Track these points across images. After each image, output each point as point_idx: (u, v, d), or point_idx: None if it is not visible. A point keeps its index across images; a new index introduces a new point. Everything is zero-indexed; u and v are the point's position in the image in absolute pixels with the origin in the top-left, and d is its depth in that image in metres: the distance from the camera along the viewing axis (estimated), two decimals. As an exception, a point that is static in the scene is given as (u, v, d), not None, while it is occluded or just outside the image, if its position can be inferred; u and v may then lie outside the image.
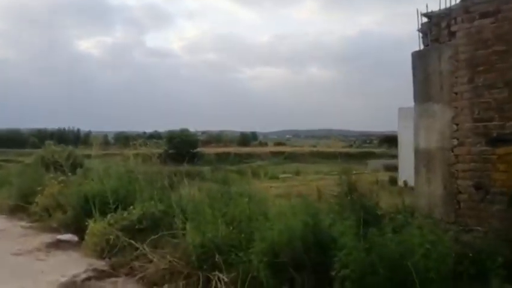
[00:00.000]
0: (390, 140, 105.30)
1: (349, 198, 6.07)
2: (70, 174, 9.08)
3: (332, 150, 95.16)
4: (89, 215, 6.65)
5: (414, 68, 4.75)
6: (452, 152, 4.28)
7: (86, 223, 6.02)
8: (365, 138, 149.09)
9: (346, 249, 3.28)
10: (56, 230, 7.52)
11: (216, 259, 4.05)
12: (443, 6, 4.47)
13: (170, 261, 4.37)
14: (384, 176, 32.36)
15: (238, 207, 5.25)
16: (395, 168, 42.11)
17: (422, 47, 4.76)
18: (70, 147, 9.59)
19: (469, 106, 4.18)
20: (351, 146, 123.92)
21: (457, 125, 4.27)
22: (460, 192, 4.20)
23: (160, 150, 7.55)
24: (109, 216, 5.96)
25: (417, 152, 4.62)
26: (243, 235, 4.54)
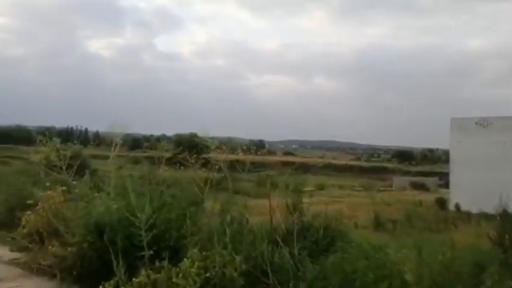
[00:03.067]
0: (402, 155, 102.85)
1: None
2: (73, 181, 6.36)
3: (342, 162, 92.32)
4: (103, 257, 3.99)
5: None
6: None
7: (101, 285, 3.28)
8: (372, 151, 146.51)
9: None
10: (50, 274, 4.83)
11: None
12: None
13: None
14: (417, 195, 29.49)
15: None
16: (422, 187, 39.38)
17: None
18: (77, 146, 6.91)
19: None
20: (359, 159, 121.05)
21: None
22: None
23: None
24: (142, 273, 3.23)
25: None
26: None
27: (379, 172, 77.02)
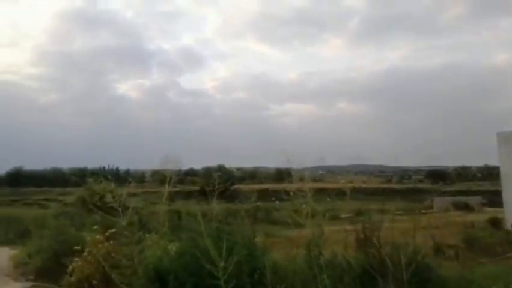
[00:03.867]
0: (435, 175, 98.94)
1: None
2: (123, 223, 5.92)
3: (374, 186, 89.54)
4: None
5: None
6: None
7: None
8: (402, 173, 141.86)
9: None
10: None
11: None
12: None
13: None
14: (462, 216, 27.71)
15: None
16: (465, 207, 37.26)
17: None
18: (133, 185, 6.49)
19: None
20: (389, 181, 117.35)
21: None
22: None
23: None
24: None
25: None
26: None
27: (414, 194, 74.04)
